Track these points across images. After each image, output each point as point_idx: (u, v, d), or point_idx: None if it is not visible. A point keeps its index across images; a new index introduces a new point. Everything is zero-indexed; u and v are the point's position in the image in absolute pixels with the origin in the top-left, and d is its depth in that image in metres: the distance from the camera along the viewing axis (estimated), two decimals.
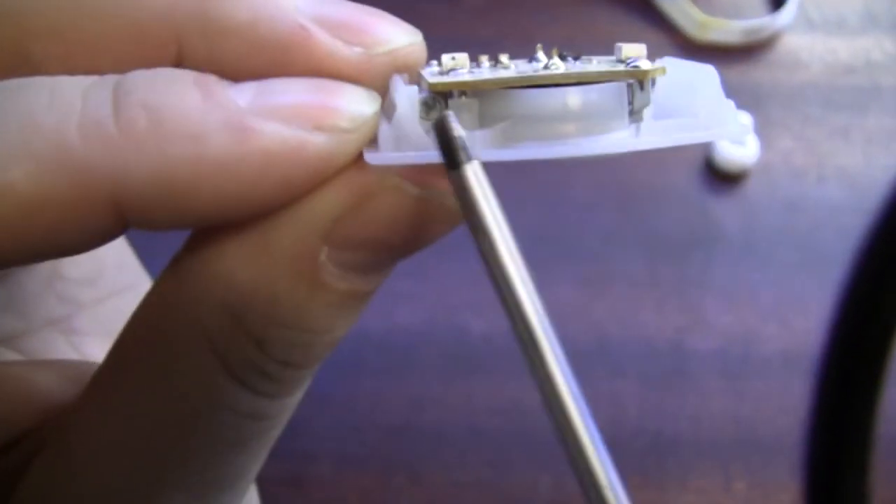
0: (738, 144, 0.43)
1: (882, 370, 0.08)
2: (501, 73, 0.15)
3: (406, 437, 0.36)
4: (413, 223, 0.15)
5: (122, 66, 0.15)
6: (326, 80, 0.15)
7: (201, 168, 0.13)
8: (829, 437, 0.08)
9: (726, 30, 0.47)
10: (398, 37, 0.15)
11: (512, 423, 0.37)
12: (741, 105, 0.48)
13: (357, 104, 0.15)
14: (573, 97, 0.15)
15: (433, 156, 0.14)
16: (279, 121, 0.14)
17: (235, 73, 0.15)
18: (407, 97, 0.15)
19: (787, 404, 0.37)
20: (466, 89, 0.15)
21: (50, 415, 0.19)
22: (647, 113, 0.16)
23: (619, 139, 0.15)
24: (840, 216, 0.43)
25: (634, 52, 0.16)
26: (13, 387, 0.19)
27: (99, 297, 0.24)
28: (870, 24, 0.49)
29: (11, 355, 0.23)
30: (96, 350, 0.24)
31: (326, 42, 0.15)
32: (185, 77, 0.14)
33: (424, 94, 0.15)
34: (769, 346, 0.39)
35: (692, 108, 0.16)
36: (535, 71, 0.15)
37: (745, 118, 0.44)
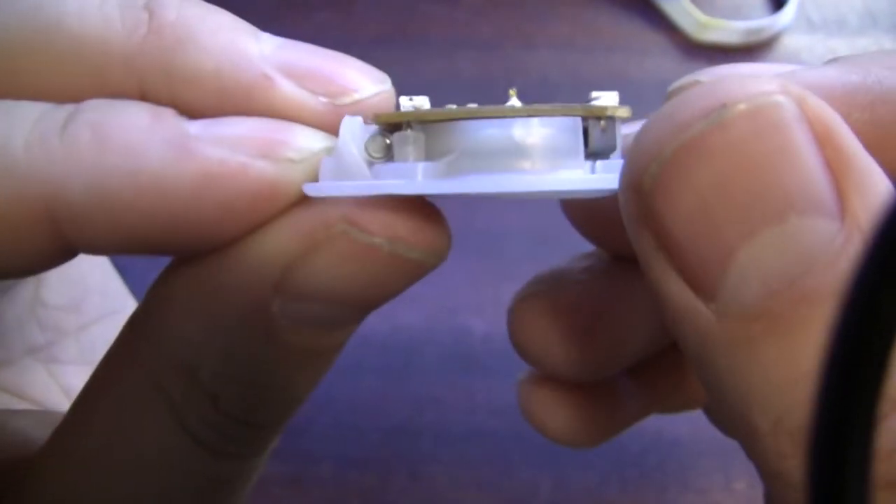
0: None
1: (883, 371, 0.08)
2: (449, 108, 0.15)
3: (407, 438, 0.36)
4: (367, 274, 0.14)
5: None
6: (281, 121, 0.14)
7: (136, 180, 0.13)
8: (830, 437, 0.08)
9: (727, 30, 0.47)
10: (366, 86, 0.15)
11: (512, 423, 0.37)
12: None
13: (306, 140, 0.14)
14: (519, 129, 0.14)
15: (373, 187, 0.14)
16: (223, 146, 0.14)
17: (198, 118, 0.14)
18: (348, 128, 0.14)
19: None
20: (412, 120, 0.14)
21: (25, 461, 0.19)
22: (614, 157, 0.15)
23: (570, 177, 0.14)
24: None
25: (606, 100, 0.15)
26: None
27: (82, 324, 0.24)
28: (870, 25, 0.49)
29: None
30: (76, 380, 0.23)
31: (290, 92, 0.14)
32: (140, 104, 0.14)
33: (371, 129, 0.15)
34: None
35: None
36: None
37: None
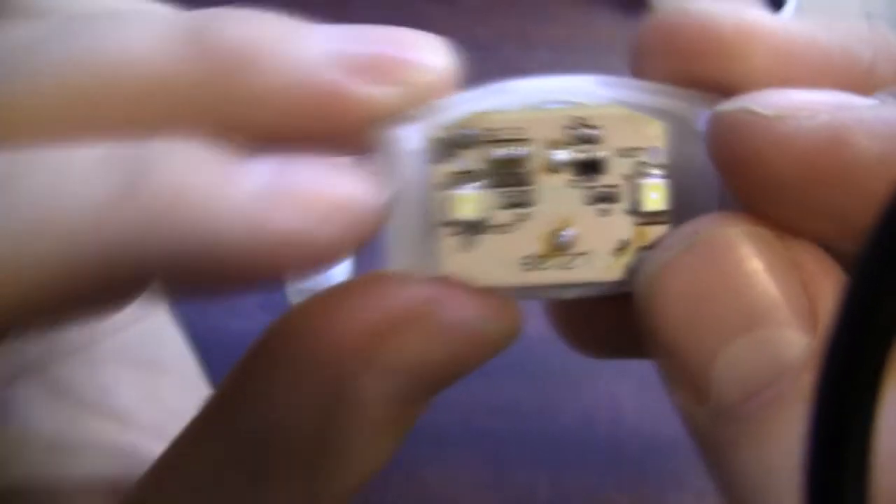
0: None
1: (882, 370, 0.08)
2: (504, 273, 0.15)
3: (406, 438, 0.36)
4: (451, 351, 0.15)
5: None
6: (349, 170, 0.14)
7: (217, 248, 0.13)
8: (829, 438, 0.09)
9: None
10: (434, 59, 0.15)
11: (511, 423, 0.37)
12: None
13: (363, 194, 0.14)
14: (570, 293, 0.16)
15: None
16: (292, 210, 0.13)
17: (272, 137, 0.14)
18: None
19: None
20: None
21: None
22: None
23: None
24: None
25: (651, 210, 0.15)
26: None
27: (120, 325, 0.24)
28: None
29: (35, 390, 0.23)
30: (113, 380, 0.24)
31: (363, 93, 0.14)
32: (202, 156, 0.13)
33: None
34: None
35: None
36: (539, 268, 0.15)
37: None
